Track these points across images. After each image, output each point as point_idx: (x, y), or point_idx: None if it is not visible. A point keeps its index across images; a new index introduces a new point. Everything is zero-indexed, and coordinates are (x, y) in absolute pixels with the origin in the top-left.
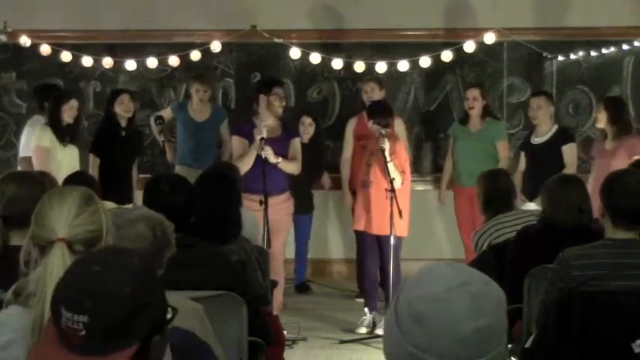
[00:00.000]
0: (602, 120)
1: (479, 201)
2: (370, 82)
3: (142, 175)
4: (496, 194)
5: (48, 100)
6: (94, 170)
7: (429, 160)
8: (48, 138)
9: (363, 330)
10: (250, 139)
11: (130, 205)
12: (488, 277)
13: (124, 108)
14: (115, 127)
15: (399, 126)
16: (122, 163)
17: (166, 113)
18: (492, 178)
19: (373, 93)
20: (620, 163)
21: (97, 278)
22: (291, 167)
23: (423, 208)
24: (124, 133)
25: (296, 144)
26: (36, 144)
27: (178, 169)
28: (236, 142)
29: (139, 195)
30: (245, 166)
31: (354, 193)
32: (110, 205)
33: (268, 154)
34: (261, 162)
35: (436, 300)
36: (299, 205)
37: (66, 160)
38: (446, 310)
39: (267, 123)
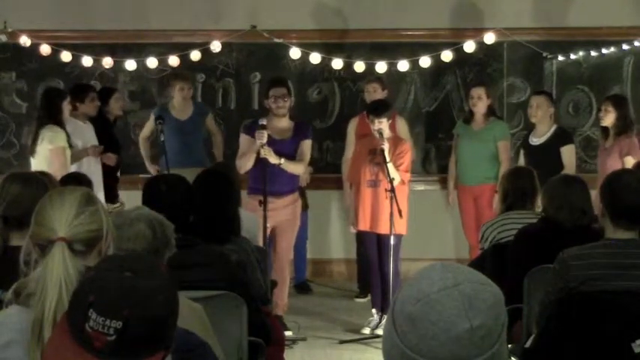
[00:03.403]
0: (609, 118)
1: (498, 194)
2: (372, 82)
3: (141, 175)
4: (512, 191)
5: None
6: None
7: (429, 160)
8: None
9: (367, 330)
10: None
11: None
12: (485, 277)
13: (119, 106)
14: (108, 125)
15: (401, 125)
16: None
17: (151, 123)
18: (514, 175)
19: (375, 93)
20: (614, 161)
21: (132, 285)
22: (294, 168)
23: (425, 207)
24: (112, 130)
25: (305, 145)
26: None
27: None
28: (242, 140)
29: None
30: (243, 165)
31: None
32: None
33: (268, 155)
34: (264, 163)
35: (427, 301)
36: None
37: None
38: (436, 310)
39: (278, 126)
